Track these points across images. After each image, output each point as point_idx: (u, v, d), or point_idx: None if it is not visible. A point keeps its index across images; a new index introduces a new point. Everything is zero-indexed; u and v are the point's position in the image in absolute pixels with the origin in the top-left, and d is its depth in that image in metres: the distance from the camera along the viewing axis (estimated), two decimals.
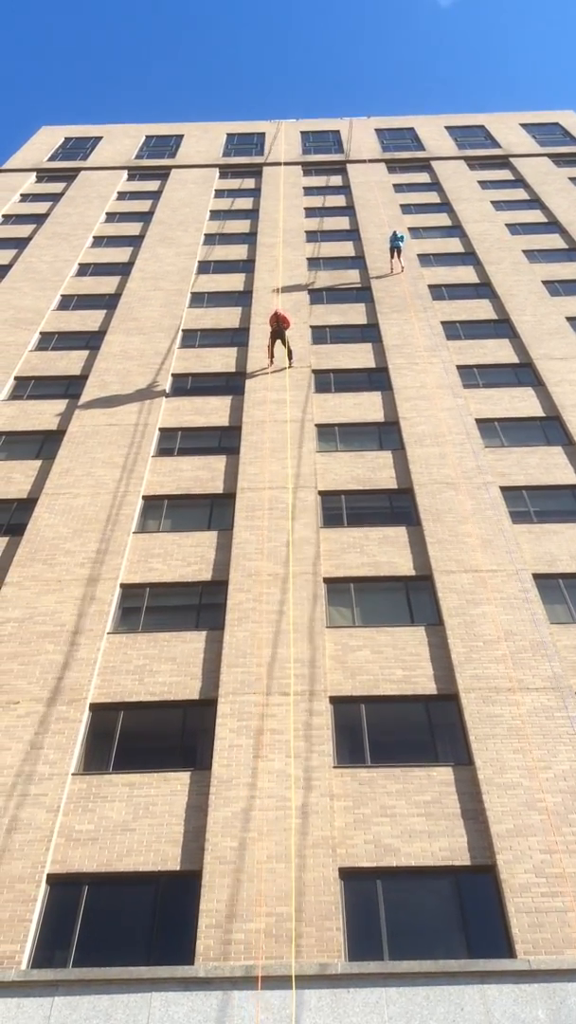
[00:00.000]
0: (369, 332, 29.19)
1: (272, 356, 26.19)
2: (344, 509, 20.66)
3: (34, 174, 47.46)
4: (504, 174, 45.20)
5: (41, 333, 29.79)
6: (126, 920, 12.36)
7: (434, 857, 12.81)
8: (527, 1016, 10.66)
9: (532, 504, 20.58)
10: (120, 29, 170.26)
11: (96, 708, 15.56)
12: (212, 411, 24.79)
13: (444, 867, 12.73)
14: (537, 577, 18.20)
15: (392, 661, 16.23)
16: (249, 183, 45.33)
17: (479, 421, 23.83)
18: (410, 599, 17.96)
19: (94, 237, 38.43)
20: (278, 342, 26.32)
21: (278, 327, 25.96)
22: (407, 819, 13.34)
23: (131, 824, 13.40)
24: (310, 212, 40.84)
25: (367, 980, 11.13)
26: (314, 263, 34.94)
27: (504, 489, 20.97)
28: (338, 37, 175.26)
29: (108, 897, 12.63)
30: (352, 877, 12.67)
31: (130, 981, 11.18)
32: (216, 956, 11.49)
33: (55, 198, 44.04)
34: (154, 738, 15.22)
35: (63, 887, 12.70)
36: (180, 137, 53.21)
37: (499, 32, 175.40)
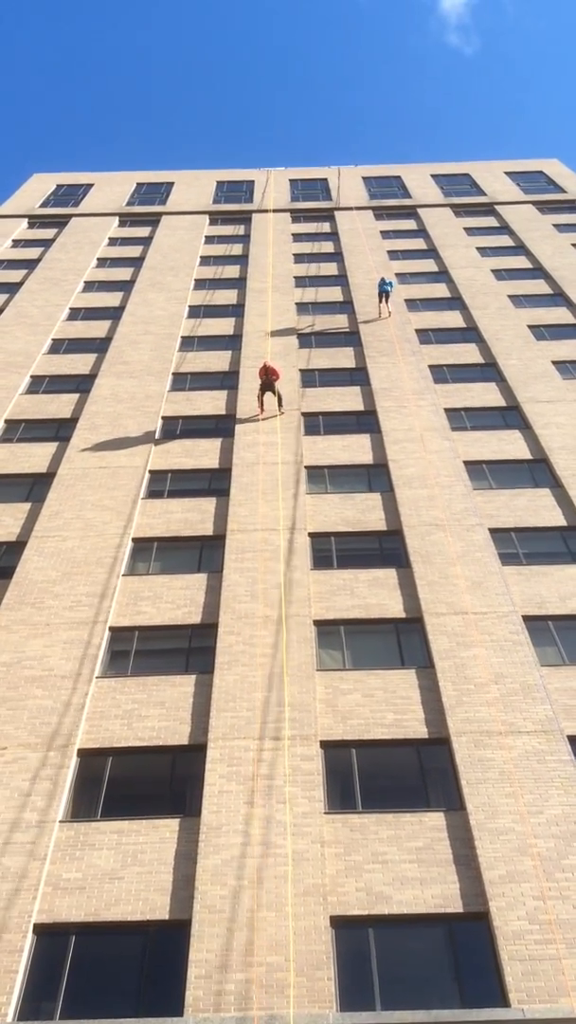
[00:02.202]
0: (357, 375, 29.47)
1: (262, 406, 26.33)
2: (334, 551, 20.70)
3: (26, 220, 48.02)
4: (489, 221, 46.00)
5: (32, 376, 29.95)
6: (115, 971, 12.15)
7: (426, 904, 12.66)
8: None
9: (521, 546, 20.67)
10: (113, 78, 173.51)
11: (84, 754, 15.41)
12: (202, 453, 24.90)
13: (437, 914, 12.57)
14: (527, 619, 18.21)
15: (383, 704, 16.16)
16: (239, 229, 45.98)
17: (467, 463, 23.99)
18: (400, 641, 17.94)
19: (85, 282, 38.81)
20: (268, 393, 26.48)
21: (267, 379, 26.13)
22: (399, 866, 13.20)
23: (119, 872, 13.21)
24: (299, 258, 41.40)
25: None
26: (303, 308, 35.35)
27: (493, 531, 21.06)
28: (326, 87, 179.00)
29: (96, 947, 12.42)
30: (344, 925, 12.49)
31: None
32: (206, 1007, 11.28)
33: (47, 244, 44.53)
34: (143, 784, 15.07)
35: (50, 937, 12.48)
36: (170, 184, 54.02)
37: (485, 83, 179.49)
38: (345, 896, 12.79)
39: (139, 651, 17.89)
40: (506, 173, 53.77)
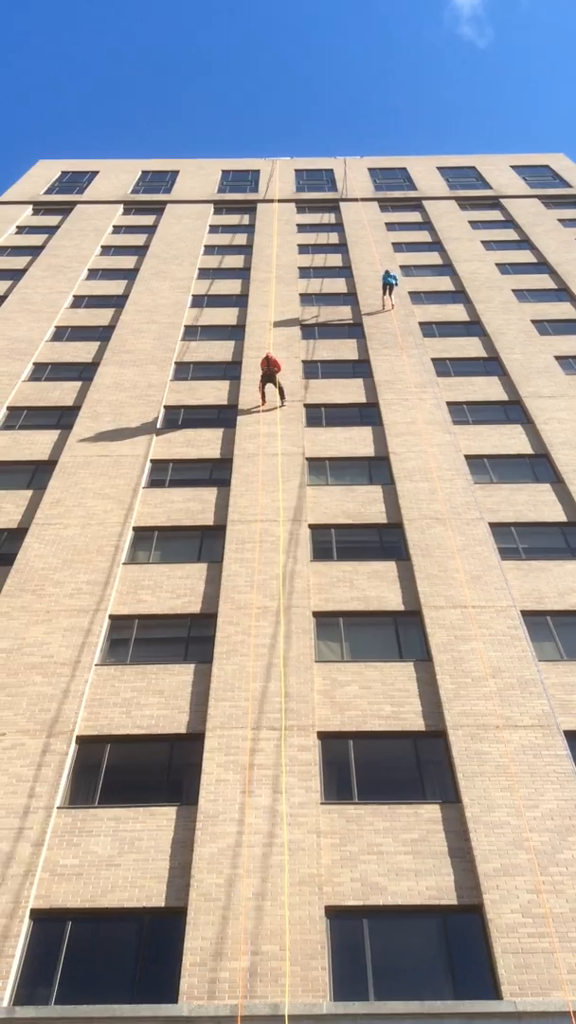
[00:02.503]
0: (360, 368, 29.46)
1: (264, 397, 26.32)
2: (334, 543, 20.73)
3: (30, 207, 47.91)
4: (495, 214, 45.89)
5: (34, 364, 29.94)
6: (110, 957, 12.23)
7: (421, 896, 12.74)
8: None
9: (521, 541, 20.71)
10: (118, 65, 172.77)
11: (83, 741, 15.48)
12: (204, 443, 24.92)
13: (431, 906, 12.66)
14: (526, 614, 18.26)
15: (380, 697, 16.22)
16: (244, 219, 45.87)
17: (468, 457, 24.01)
18: (399, 634, 17.99)
19: (89, 270, 38.74)
20: (269, 384, 26.45)
21: (269, 370, 26.05)
22: (394, 857, 13.28)
23: (116, 859, 13.29)
24: (303, 248, 41.31)
25: (352, 1020, 11.02)
26: (307, 299, 35.31)
27: (493, 525, 21.10)
28: (333, 77, 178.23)
29: (92, 933, 12.50)
30: (338, 916, 12.58)
31: (113, 1019, 11.05)
32: (200, 995, 11.36)
33: (51, 231, 44.43)
34: (141, 772, 15.13)
35: (46, 923, 12.56)
36: (175, 173, 53.87)
37: (492, 75, 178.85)
38: (340, 886, 12.87)
39: (139, 639, 17.94)
40: (512, 167, 53.61)
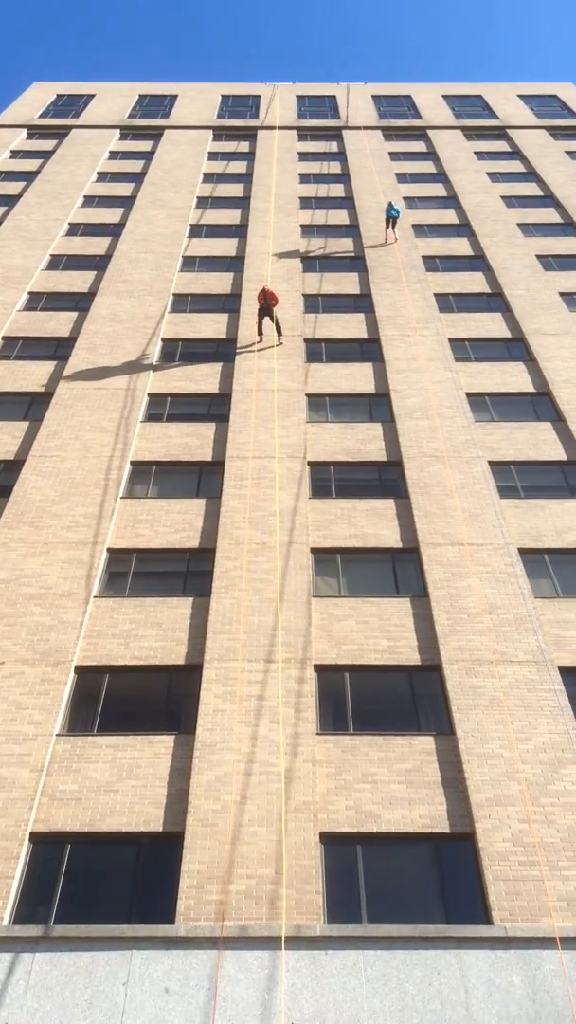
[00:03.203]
0: (362, 302, 29.04)
1: (261, 333, 25.91)
2: (333, 480, 20.66)
3: (25, 131, 46.68)
4: (501, 145, 44.86)
5: (30, 293, 29.46)
6: (108, 879, 12.49)
7: (414, 824, 12.99)
8: (503, 982, 10.88)
9: (520, 479, 20.66)
10: None
11: (81, 671, 15.60)
12: (202, 378, 24.66)
13: (424, 834, 12.91)
14: (523, 552, 18.32)
15: (377, 631, 16.33)
16: (243, 146, 44.77)
17: (470, 395, 23.83)
18: (396, 571, 18.04)
19: (85, 197, 37.92)
20: (266, 319, 26.00)
21: (266, 303, 25.49)
22: (388, 786, 13.50)
23: (115, 785, 13.50)
24: (304, 178, 40.42)
25: (345, 943, 11.31)
26: (308, 230, 34.65)
27: (492, 464, 21.03)
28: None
29: (91, 856, 12.75)
30: (333, 842, 12.83)
31: (111, 939, 11.31)
32: (197, 916, 11.63)
33: (46, 156, 43.37)
34: (139, 702, 15.28)
35: (46, 845, 12.80)
36: (174, 97, 52.44)
37: (499, 2, 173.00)
38: (335, 814, 13.11)
39: (137, 573, 17.97)
40: (519, 96, 52.31)
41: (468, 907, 12.02)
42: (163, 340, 26.57)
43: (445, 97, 52.41)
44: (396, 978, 10.93)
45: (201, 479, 20.73)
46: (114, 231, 34.48)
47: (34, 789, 13.32)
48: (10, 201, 37.67)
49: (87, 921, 11.79)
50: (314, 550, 18.38)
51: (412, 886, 12.39)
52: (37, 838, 12.88)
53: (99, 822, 13.01)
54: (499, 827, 12.78)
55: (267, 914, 11.64)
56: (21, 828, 12.80)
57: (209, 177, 40.53)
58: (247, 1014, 10.57)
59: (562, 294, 29.30)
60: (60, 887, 12.33)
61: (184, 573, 18.00)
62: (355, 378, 24.56)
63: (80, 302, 29.01)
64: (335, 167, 41.92)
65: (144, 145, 44.82)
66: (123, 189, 38.93)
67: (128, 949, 11.23)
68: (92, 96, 52.61)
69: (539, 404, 23.63)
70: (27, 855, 12.65)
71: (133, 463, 21.09)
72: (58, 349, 26.21)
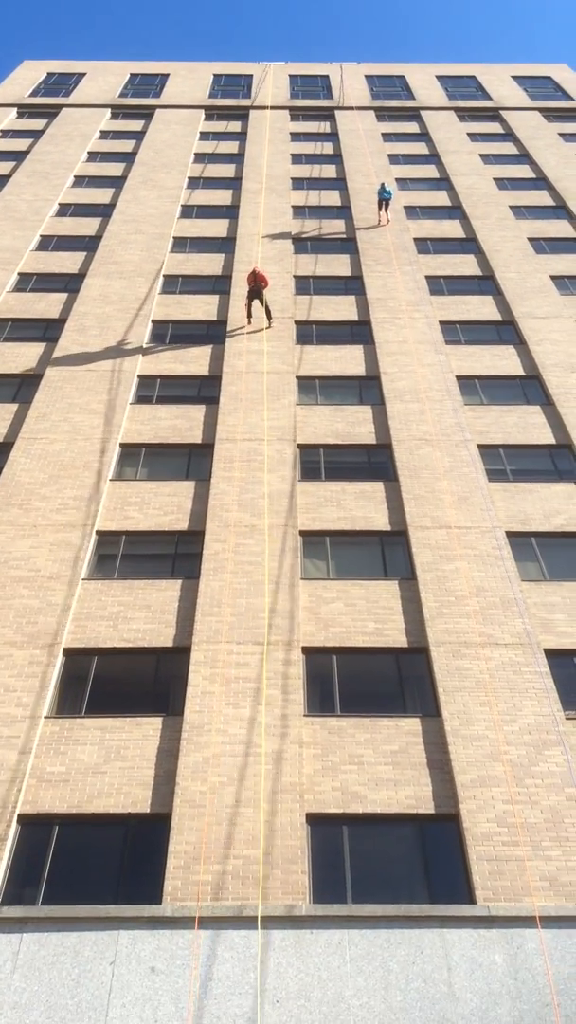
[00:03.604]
0: (353, 284, 28.95)
1: (250, 316, 25.75)
2: (322, 463, 20.67)
3: (15, 109, 46.26)
4: (494, 127, 44.63)
5: (19, 274, 29.29)
6: (96, 860, 12.57)
7: (399, 805, 13.09)
8: (485, 960, 11.01)
9: (509, 463, 20.69)
10: None
11: (70, 653, 15.64)
12: (192, 359, 24.59)
13: (409, 815, 13.02)
14: (511, 535, 18.38)
15: (365, 614, 16.40)
16: (235, 126, 44.46)
17: (459, 378, 23.82)
18: (384, 553, 18.09)
19: (75, 177, 37.64)
20: (256, 301, 25.82)
21: (256, 285, 25.27)
22: (374, 767, 13.60)
23: (102, 767, 13.56)
24: (296, 159, 40.18)
25: (331, 922, 11.42)
26: (300, 211, 34.48)
27: (481, 447, 21.05)
28: None
29: (78, 837, 12.82)
30: (319, 822, 12.93)
31: (98, 919, 11.41)
32: (183, 896, 11.73)
33: (36, 135, 43.00)
34: (127, 684, 15.33)
35: (33, 827, 12.88)
36: (165, 76, 51.99)
37: None
38: (321, 795, 13.20)
39: (126, 555, 17.98)
40: (513, 77, 51.99)
41: (452, 887, 12.15)
42: (153, 322, 26.46)
43: (439, 78, 52.07)
44: (380, 957, 11.05)
45: (191, 461, 20.72)
46: (104, 211, 34.26)
47: (22, 771, 13.38)
48: (0, 181, 37.36)
49: (75, 902, 11.89)
50: (303, 533, 18.41)
51: (397, 866, 12.50)
52: (25, 820, 12.95)
53: (87, 804, 13.08)
54: (483, 808, 12.90)
55: (253, 894, 11.74)
56: (9, 810, 12.87)
57: (200, 157, 40.25)
58: (233, 992, 10.68)
59: (553, 277, 29.25)
60: (48, 868, 12.41)
61: (173, 555, 18.02)
62: (345, 360, 24.53)
63: (70, 283, 28.86)
64: (327, 148, 41.68)
65: (135, 125, 44.47)
66: (114, 169, 38.65)
67: (115, 929, 11.32)
68: (83, 75, 52.12)
69: (529, 388, 23.64)
70: (15, 837, 12.72)
71: (122, 445, 21.06)
72: (47, 331, 26.10)
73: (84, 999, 10.63)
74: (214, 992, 10.68)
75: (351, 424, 21.87)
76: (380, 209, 33.01)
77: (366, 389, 23.45)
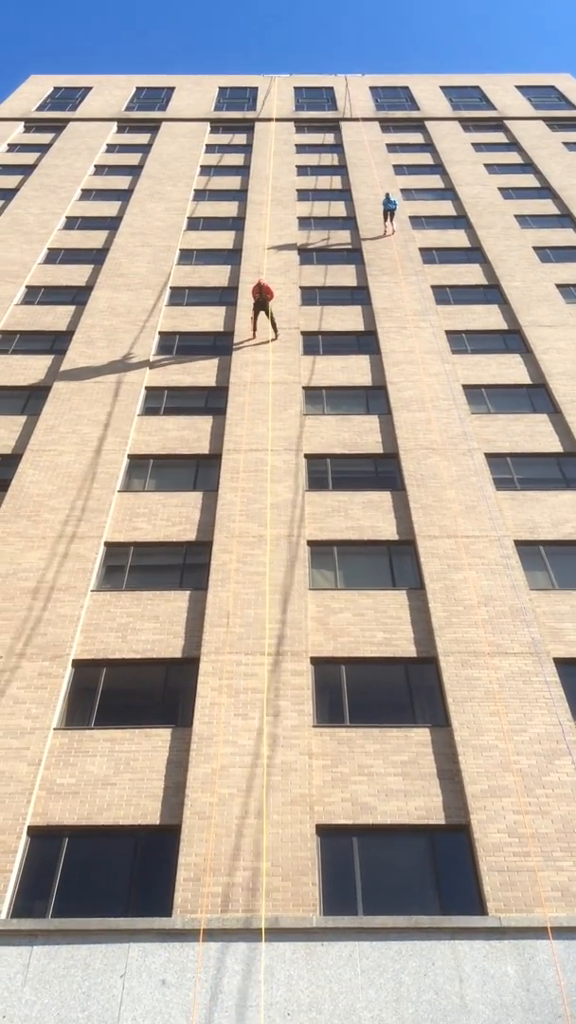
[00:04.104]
0: (359, 294, 29.02)
1: (255, 328, 25.79)
2: (329, 473, 20.69)
3: (22, 123, 46.58)
4: (498, 137, 44.74)
5: (27, 287, 29.45)
6: (106, 872, 12.55)
7: (410, 816, 13.05)
8: (497, 971, 10.95)
9: (516, 471, 20.68)
10: None
11: (79, 664, 15.66)
12: (199, 371, 24.66)
13: (419, 826, 12.97)
14: (519, 544, 18.35)
15: (373, 624, 16.38)
16: (240, 138, 44.67)
17: (466, 387, 23.84)
18: (392, 563, 18.08)
19: (82, 190, 37.86)
20: (262, 313, 25.84)
21: (261, 297, 25.24)
22: (384, 778, 13.56)
23: (112, 779, 13.56)
24: (302, 170, 40.34)
25: (341, 934, 11.38)
26: (305, 222, 34.60)
27: (489, 456, 21.05)
28: None
29: (88, 849, 12.81)
30: (329, 834, 12.90)
31: (108, 932, 11.38)
32: (193, 908, 11.70)
33: (43, 149, 43.28)
34: (136, 695, 15.33)
35: (44, 839, 12.87)
36: (171, 89, 52.29)
37: None
38: (331, 806, 13.17)
39: (134, 566, 18.02)
40: (517, 87, 52.14)
41: (463, 898, 12.09)
42: (160, 333, 26.56)
43: (443, 88, 52.26)
44: (391, 968, 11.00)
45: (198, 472, 20.76)
46: (111, 224, 34.44)
47: (32, 783, 13.38)
48: (7, 195, 37.61)
49: (85, 914, 11.86)
50: (310, 543, 18.41)
51: (408, 877, 12.46)
52: (35, 832, 12.95)
53: (97, 815, 13.08)
54: (494, 818, 12.85)
55: (263, 906, 11.70)
56: (19, 822, 12.87)
57: (206, 170, 40.45)
58: (244, 1005, 10.64)
59: (559, 286, 29.28)
60: (58, 880, 12.40)
61: (181, 566, 18.04)
62: (352, 371, 24.57)
63: (77, 296, 29.00)
64: (332, 159, 41.84)
65: (141, 138, 44.73)
66: (120, 182, 38.86)
67: (125, 942, 11.30)
68: (89, 89, 52.47)
69: (535, 396, 23.64)
70: (25, 849, 12.71)
71: (130, 456, 21.12)
72: (55, 343, 26.22)
73: (95, 1012, 10.60)
74: (225, 1004, 10.64)
75: (358, 434, 21.89)
76: (385, 220, 33.11)
77: (373, 399, 23.48)
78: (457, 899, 12.10)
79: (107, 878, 12.50)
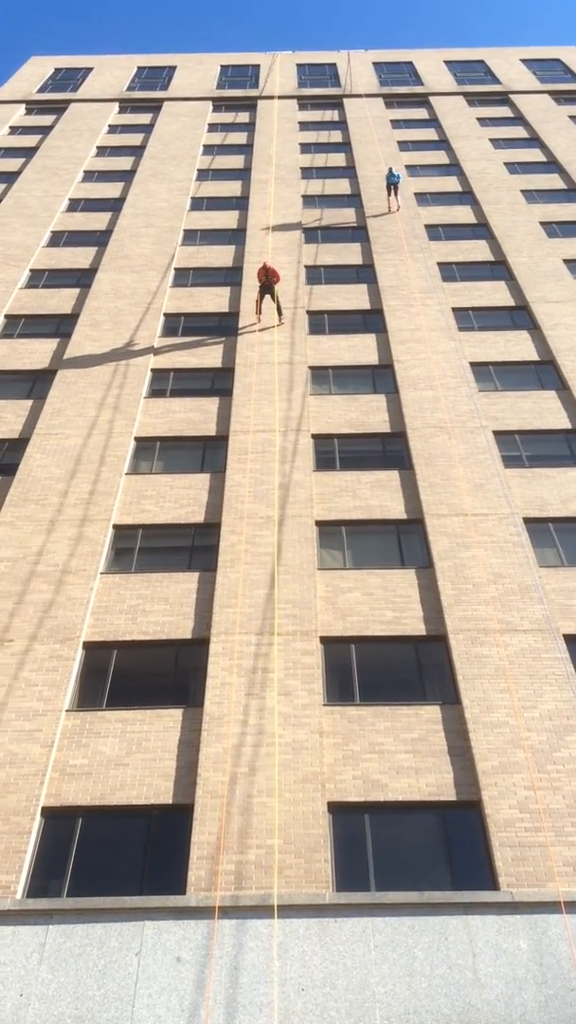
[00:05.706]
0: (364, 272, 28.84)
1: (260, 312, 25.49)
2: (337, 452, 20.64)
3: (23, 106, 46.30)
4: (503, 111, 44.29)
5: (31, 270, 29.35)
6: (119, 852, 12.64)
7: (421, 792, 13.09)
8: (509, 946, 11.01)
9: (525, 448, 20.59)
10: None
11: (89, 646, 15.71)
12: (205, 352, 24.59)
13: (430, 802, 13.02)
14: (528, 521, 18.30)
15: (382, 603, 16.38)
16: (243, 117, 44.32)
17: (473, 365, 23.71)
18: (401, 542, 18.06)
19: (85, 172, 37.66)
20: (267, 297, 25.61)
21: (267, 280, 24.94)
22: (395, 756, 13.60)
23: (124, 759, 13.63)
24: (305, 148, 40.03)
25: (354, 910, 11.44)
26: (309, 201, 34.36)
27: (497, 433, 20.96)
28: None
29: (102, 829, 12.90)
30: (340, 811, 12.95)
31: (123, 910, 11.47)
32: (207, 886, 11.79)
33: (45, 131, 43.03)
34: (147, 676, 15.39)
35: (57, 820, 12.96)
36: (173, 68, 51.88)
37: None
38: (342, 783, 13.22)
39: (143, 548, 18.04)
40: (522, 60, 51.57)
41: (475, 873, 12.14)
42: (165, 315, 26.47)
43: (447, 63, 51.71)
44: (405, 944, 11.07)
45: (205, 454, 20.74)
46: (114, 206, 34.27)
47: (45, 764, 13.47)
48: (10, 178, 37.44)
49: (99, 893, 11.95)
50: (319, 523, 18.40)
51: (419, 854, 12.51)
52: (48, 813, 13.04)
53: (109, 796, 13.16)
54: (505, 794, 12.88)
55: (277, 883, 11.78)
56: (33, 803, 12.96)
57: (209, 149, 40.18)
58: (258, 981, 10.73)
59: (566, 261, 29.04)
60: (72, 860, 12.49)
61: (190, 548, 18.06)
62: (358, 349, 24.46)
63: (82, 278, 28.90)
64: (336, 136, 41.50)
65: (143, 118, 44.42)
66: (123, 163, 38.64)
67: (140, 920, 11.39)
68: (90, 70, 52.10)
69: (543, 373, 23.51)
70: (39, 830, 12.81)
71: (137, 439, 21.10)
72: (60, 326, 26.16)
73: (111, 989, 10.70)
74: (240, 981, 10.73)
75: (365, 413, 21.82)
76: (390, 195, 32.86)
77: (379, 378, 23.38)
78: (469, 875, 12.16)
79: (121, 857, 12.59)
